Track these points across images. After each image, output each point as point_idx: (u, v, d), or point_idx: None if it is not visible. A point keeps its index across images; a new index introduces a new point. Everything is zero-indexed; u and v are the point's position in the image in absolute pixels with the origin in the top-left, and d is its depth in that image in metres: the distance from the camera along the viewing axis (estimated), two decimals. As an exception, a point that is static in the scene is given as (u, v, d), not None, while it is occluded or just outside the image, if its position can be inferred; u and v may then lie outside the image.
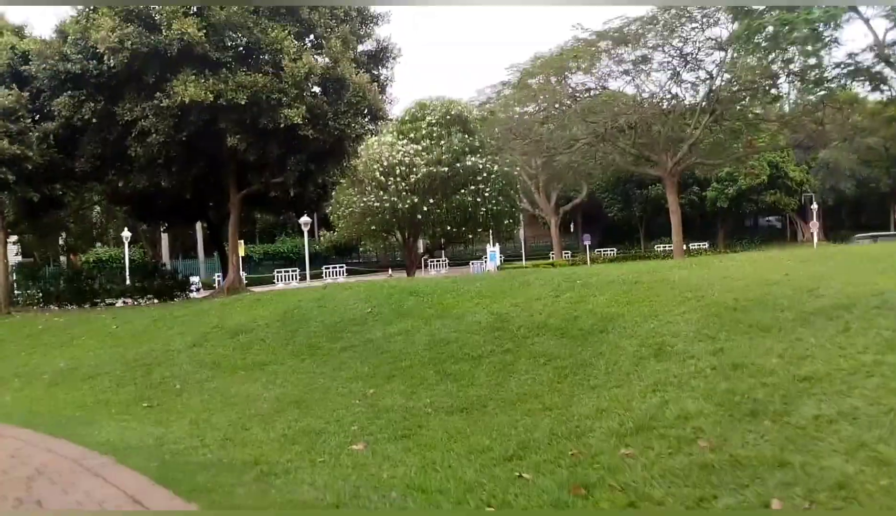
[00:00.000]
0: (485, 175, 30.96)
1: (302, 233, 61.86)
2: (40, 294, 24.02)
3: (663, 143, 34.12)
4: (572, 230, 63.70)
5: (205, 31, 17.59)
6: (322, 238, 35.78)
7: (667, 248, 54.74)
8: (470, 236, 33.31)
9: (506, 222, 32.69)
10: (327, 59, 18.78)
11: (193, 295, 26.37)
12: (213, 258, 53.80)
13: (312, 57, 18.28)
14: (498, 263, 48.30)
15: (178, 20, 17.10)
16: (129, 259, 41.92)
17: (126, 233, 40.76)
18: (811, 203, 47.47)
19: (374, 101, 19.58)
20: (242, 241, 47.14)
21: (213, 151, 20.54)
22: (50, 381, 11.55)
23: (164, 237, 48.65)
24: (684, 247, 57.43)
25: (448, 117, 32.50)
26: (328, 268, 44.15)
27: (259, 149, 19.62)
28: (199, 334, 13.24)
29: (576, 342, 9.02)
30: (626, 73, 35.15)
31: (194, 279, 32.91)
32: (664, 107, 35.87)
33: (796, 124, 35.50)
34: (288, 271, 49.15)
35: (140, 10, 18.41)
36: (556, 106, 37.11)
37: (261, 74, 18.29)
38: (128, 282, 31.19)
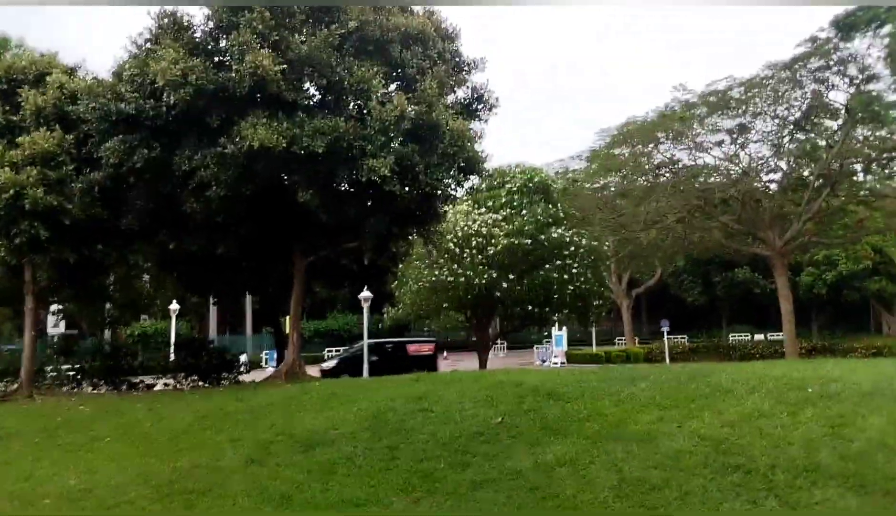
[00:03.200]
0: (572, 249, 27.39)
1: (354, 309, 59.40)
2: (71, 372, 20.92)
3: (769, 220, 30.30)
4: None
5: (281, 67, 14.87)
6: (386, 315, 32.29)
7: (751, 339, 49.93)
8: (554, 318, 29.43)
9: (595, 303, 28.82)
10: (418, 104, 15.76)
11: (243, 377, 22.97)
12: (262, 334, 51.11)
13: (404, 100, 15.30)
14: (565, 349, 44.15)
15: (253, 52, 14.41)
16: (175, 333, 39.27)
17: (174, 306, 38.17)
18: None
19: (472, 152, 16.42)
20: (286, 318, 44.38)
21: (278, 210, 17.58)
22: (51, 509, 8.03)
23: (213, 310, 46.09)
24: (763, 337, 52.57)
25: (530, 185, 29.39)
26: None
27: (334, 207, 16.56)
28: (258, 443, 9.64)
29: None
30: (720, 144, 31.85)
31: (242, 357, 29.75)
32: (767, 179, 32.36)
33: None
34: (339, 351, 45.88)
35: (207, 43, 15.93)
36: (642, 178, 33.86)
37: (342, 119, 15.40)
38: (171, 357, 28.21)
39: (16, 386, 18.23)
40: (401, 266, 26.40)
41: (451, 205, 21.52)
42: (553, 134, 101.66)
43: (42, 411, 14.42)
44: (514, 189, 29.19)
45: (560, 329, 40.93)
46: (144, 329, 41.94)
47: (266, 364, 39.08)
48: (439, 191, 16.47)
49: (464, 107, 18.23)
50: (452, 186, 16.80)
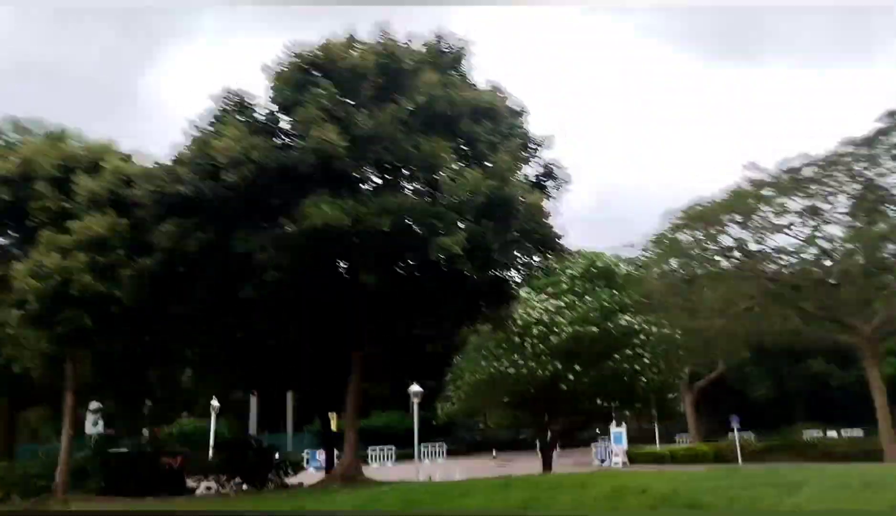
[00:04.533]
0: (642, 337, 25.47)
1: (399, 405, 56.93)
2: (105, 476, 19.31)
3: (854, 305, 28.06)
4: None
5: (346, 143, 13.99)
6: (440, 410, 30.28)
7: (824, 435, 46.07)
8: (626, 412, 27.16)
9: (670, 396, 26.55)
10: (491, 178, 14.62)
11: (291, 478, 21.10)
12: (303, 433, 49.06)
13: (477, 173, 14.21)
14: (625, 447, 41.12)
15: (318, 127, 13.57)
16: (215, 432, 37.63)
17: (215, 403, 36.75)
18: None
19: (548, 228, 15.11)
20: (334, 415, 42.43)
21: (336, 295, 16.33)
22: None
23: (253, 407, 44.55)
24: (836, 433, 48.50)
25: (592, 270, 27.85)
26: (428, 447, 38.18)
27: (398, 290, 15.25)
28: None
29: None
30: (790, 226, 30.15)
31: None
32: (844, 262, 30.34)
33: None
34: (383, 449, 43.59)
35: (270, 122, 15.24)
36: (709, 262, 32.14)
37: (410, 195, 14.34)
38: (210, 456, 26.48)
39: (50, 490, 16.71)
40: (456, 358, 24.75)
41: (524, 287, 20.08)
42: (616, 217, 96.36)
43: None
44: (577, 274, 27.65)
45: (619, 425, 38.21)
46: (183, 427, 40.35)
47: (307, 464, 36.99)
48: (513, 271, 15.06)
49: (534, 184, 17.10)
50: (526, 266, 15.35)
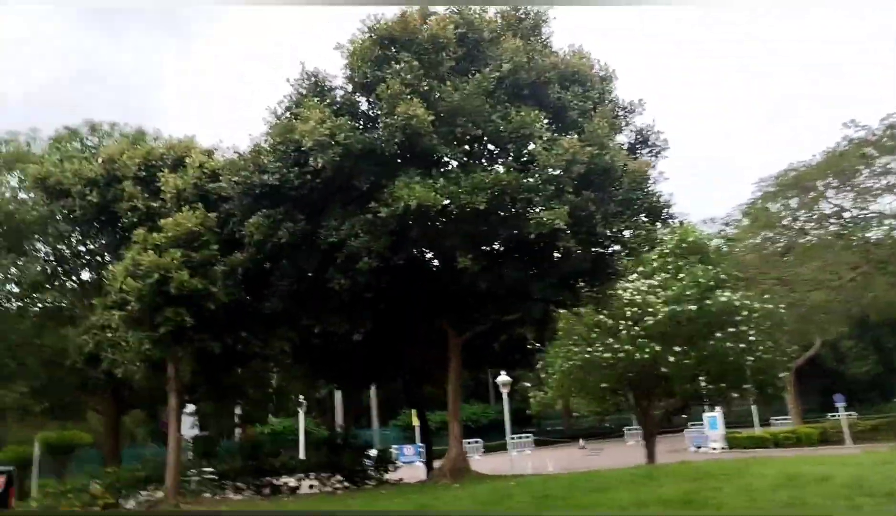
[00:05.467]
0: (745, 314, 23.76)
1: (479, 397, 56.26)
2: (215, 476, 19.34)
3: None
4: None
5: (432, 117, 13.27)
6: (533, 399, 29.33)
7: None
8: (734, 395, 25.48)
9: (780, 375, 24.74)
10: (589, 146, 13.62)
11: (390, 474, 20.65)
12: (389, 427, 49.02)
13: (574, 141, 13.23)
14: (723, 432, 39.15)
15: (404, 103, 12.90)
16: (304, 429, 37.86)
17: (302, 400, 36.98)
18: None
19: (653, 197, 13.99)
20: (414, 411, 42.09)
21: (431, 280, 15.69)
22: None
23: (339, 403, 44.76)
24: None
25: (683, 246, 26.28)
26: (514, 438, 37.23)
27: (495, 272, 14.45)
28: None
29: None
30: (892, 189, 27.66)
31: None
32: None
33: None
34: (469, 442, 43.09)
35: (351, 103, 14.69)
36: (801, 234, 30.01)
37: (503, 170, 13.50)
38: (302, 455, 26.45)
39: (160, 494, 16.77)
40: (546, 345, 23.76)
41: (631, 261, 18.93)
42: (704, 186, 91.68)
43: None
44: (667, 250, 26.13)
45: (713, 410, 36.29)
46: (273, 426, 40.87)
47: (396, 460, 36.86)
48: (624, 242, 14.03)
49: (629, 150, 15.97)
50: (637, 236, 14.25)
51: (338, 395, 44.62)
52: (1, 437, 38.64)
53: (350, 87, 14.95)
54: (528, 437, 46.16)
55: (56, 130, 19.06)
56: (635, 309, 24.37)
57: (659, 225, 15.04)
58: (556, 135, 14.08)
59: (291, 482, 19.78)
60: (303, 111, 13.73)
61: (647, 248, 16.12)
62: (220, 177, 14.79)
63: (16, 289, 19.14)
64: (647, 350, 23.27)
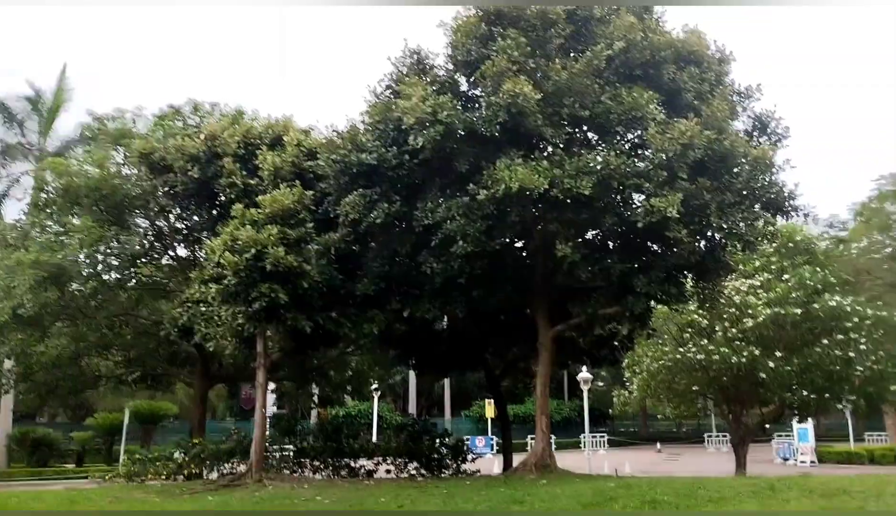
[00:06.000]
0: (856, 320, 22.05)
1: (552, 393, 55.37)
2: (293, 453, 19.47)
3: None
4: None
5: (538, 98, 12.63)
6: (617, 399, 28.36)
7: None
8: (839, 405, 23.82)
9: (893, 387, 22.87)
10: (707, 130, 12.65)
11: (468, 465, 20.23)
12: (460, 418, 48.80)
13: (693, 124, 12.31)
14: (813, 444, 37.01)
15: (510, 80, 12.32)
16: (378, 415, 38.06)
17: (376, 386, 37.15)
18: None
19: (777, 188, 12.90)
20: (492, 401, 41.60)
21: (527, 269, 15.11)
22: None
23: (413, 390, 44.82)
24: None
25: (790, 245, 24.65)
26: (589, 437, 36.15)
27: (596, 262, 13.72)
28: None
29: None
30: None
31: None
32: None
33: None
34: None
35: (453, 81, 14.23)
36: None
37: (613, 154, 12.73)
38: (374, 439, 26.37)
39: (243, 467, 16.92)
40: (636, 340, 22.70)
41: (745, 256, 17.81)
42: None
43: (275, 500, 12.53)
44: (771, 249, 24.56)
45: (804, 421, 34.20)
46: (348, 410, 41.31)
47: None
48: (742, 235, 13.04)
49: (746, 138, 14.84)
50: (757, 229, 13.20)
51: (412, 383, 44.70)
52: (92, 404, 40.67)
53: (451, 66, 14.49)
54: (602, 437, 45.01)
55: (160, 109, 19.52)
56: (733, 309, 23.04)
57: (781, 218, 13.90)
58: (669, 118, 13.18)
59: (368, 465, 19.69)
60: (403, 89, 13.36)
61: (765, 243, 14.96)
62: (318, 156, 14.63)
63: (115, 262, 19.66)
64: (745, 353, 21.97)
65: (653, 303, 15.51)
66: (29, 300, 16.84)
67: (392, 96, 14.08)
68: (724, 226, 12.74)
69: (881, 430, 42.53)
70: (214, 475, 18.00)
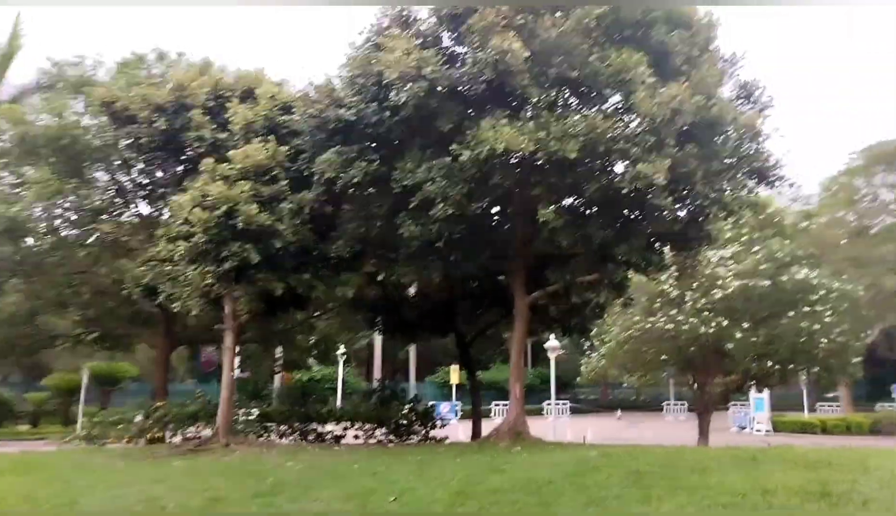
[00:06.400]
0: (822, 293, 22.42)
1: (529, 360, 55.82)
2: (258, 417, 19.04)
3: None
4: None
5: (527, 55, 12.18)
6: (584, 367, 28.54)
7: None
8: (803, 376, 24.34)
9: (854, 360, 23.44)
10: (696, 95, 12.39)
11: (437, 432, 20.10)
12: (424, 383, 48.84)
13: (682, 88, 12.03)
14: (768, 414, 38.15)
15: (499, 35, 11.83)
16: (342, 380, 37.74)
17: (341, 350, 36.77)
18: None
19: (763, 156, 12.76)
20: (457, 367, 41.63)
21: (505, 233, 14.79)
22: None
23: (378, 355, 44.56)
24: None
25: (760, 218, 24.87)
26: (551, 404, 36.55)
27: (578, 228, 13.48)
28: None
29: None
30: None
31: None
32: None
33: None
34: (507, 404, 42.97)
35: (436, 36, 13.65)
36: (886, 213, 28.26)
37: (600, 117, 12.39)
38: (338, 404, 26.16)
39: (208, 431, 16.48)
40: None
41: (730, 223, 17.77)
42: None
43: (245, 466, 12.16)
44: (742, 222, 24.74)
45: (760, 391, 35.10)
46: (312, 375, 40.87)
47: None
48: (726, 204, 12.90)
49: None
50: (742, 199, 13.08)
51: (377, 348, 44.44)
52: (48, 364, 39.40)
53: (435, 19, 13.87)
54: (564, 404, 45.62)
55: (122, 57, 18.42)
56: (703, 280, 23.20)
57: (765, 188, 13.82)
58: (658, 82, 12.86)
59: (336, 430, 19.42)
60: (386, 42, 12.74)
61: (748, 213, 14.89)
62: (293, 111, 13.96)
63: (74, 217, 18.76)
64: (713, 324, 22.18)
65: (630, 272, 15.45)
66: (-20, 253, 15.94)
67: (373, 50, 13.43)
68: (710, 195, 12.57)
69: (833, 402, 44.05)
70: (178, 439, 17.52)
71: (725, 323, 22.23)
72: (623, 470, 8.82)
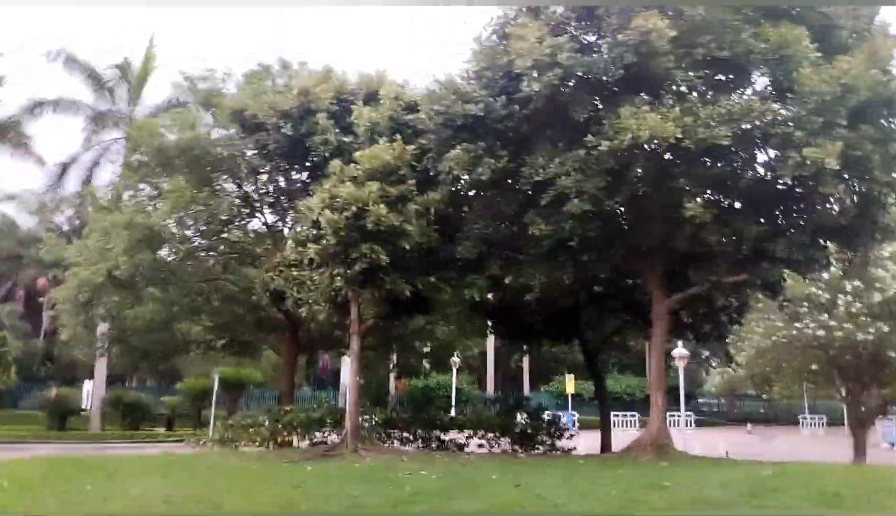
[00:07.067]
0: None
1: (634, 370, 53.43)
2: (381, 424, 18.83)
3: None
4: None
5: (672, 34, 11.19)
6: (720, 376, 26.66)
7: None
8: (983, 391, 21.40)
9: None
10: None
11: (564, 442, 19.12)
12: (539, 391, 47.71)
13: (857, 62, 10.63)
14: (921, 426, 34.09)
15: (641, 15, 10.92)
16: (456, 387, 37.35)
17: (455, 358, 36.43)
18: None
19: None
20: (572, 377, 40.24)
21: (641, 231, 13.74)
22: None
23: (491, 364, 43.95)
24: None
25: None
26: (674, 416, 34.40)
27: (728, 223, 12.26)
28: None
29: None
30: None
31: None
32: None
33: None
34: (625, 415, 41.20)
35: (569, 21, 12.88)
36: None
37: (756, 99, 11.19)
38: (452, 412, 25.69)
39: (334, 437, 16.41)
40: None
41: None
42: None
43: (378, 473, 11.81)
44: None
45: (907, 405, 31.39)
46: (426, 382, 40.82)
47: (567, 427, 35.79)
48: (894, 194, 11.32)
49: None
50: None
51: (489, 355, 43.85)
52: (180, 369, 41.62)
53: (562, 8, 13.10)
54: (689, 416, 43.19)
55: (249, 69, 18.90)
56: (857, 282, 20.92)
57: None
58: (821, 58, 11.48)
59: (459, 439, 18.91)
60: (515, 31, 12.12)
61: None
62: (418, 108, 13.63)
63: (204, 227, 19.37)
64: (872, 330, 19.91)
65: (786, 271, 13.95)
66: (124, 262, 16.63)
67: (499, 41, 12.86)
68: (888, 181, 11.03)
69: None
70: (305, 443, 17.60)
71: (886, 328, 19.92)
72: (810, 492, 7.65)
